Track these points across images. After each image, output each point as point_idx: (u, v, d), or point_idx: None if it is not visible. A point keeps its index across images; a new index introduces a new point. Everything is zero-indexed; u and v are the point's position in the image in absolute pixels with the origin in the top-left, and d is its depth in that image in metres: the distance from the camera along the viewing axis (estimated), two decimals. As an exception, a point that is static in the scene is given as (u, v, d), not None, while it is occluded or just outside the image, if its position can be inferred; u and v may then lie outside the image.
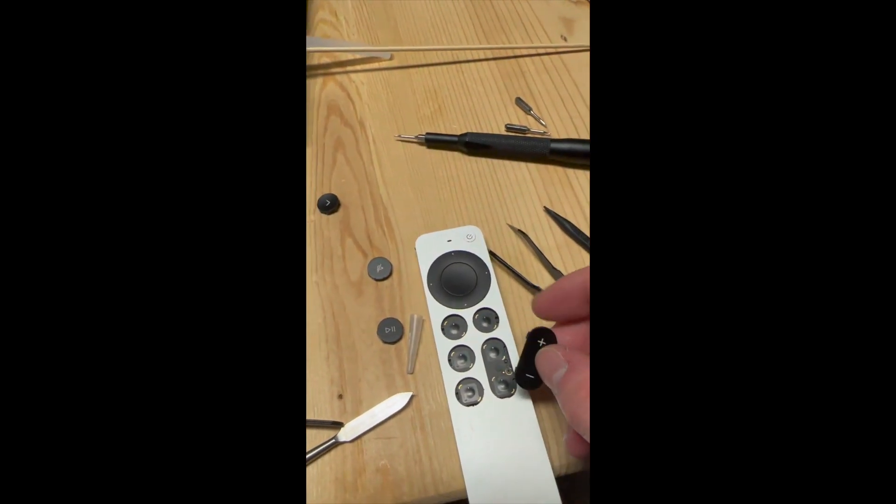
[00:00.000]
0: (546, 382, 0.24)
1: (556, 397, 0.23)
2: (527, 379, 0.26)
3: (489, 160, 0.40)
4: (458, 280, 0.32)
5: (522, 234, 0.35)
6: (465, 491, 0.27)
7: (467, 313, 0.31)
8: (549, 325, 0.27)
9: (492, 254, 0.34)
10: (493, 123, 0.42)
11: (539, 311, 0.26)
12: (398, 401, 0.29)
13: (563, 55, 0.46)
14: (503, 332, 0.31)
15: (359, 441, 0.29)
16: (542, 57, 0.46)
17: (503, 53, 0.46)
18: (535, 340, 0.26)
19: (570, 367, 0.22)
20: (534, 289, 0.33)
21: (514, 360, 0.30)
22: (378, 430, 0.29)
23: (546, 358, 0.24)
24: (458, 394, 0.29)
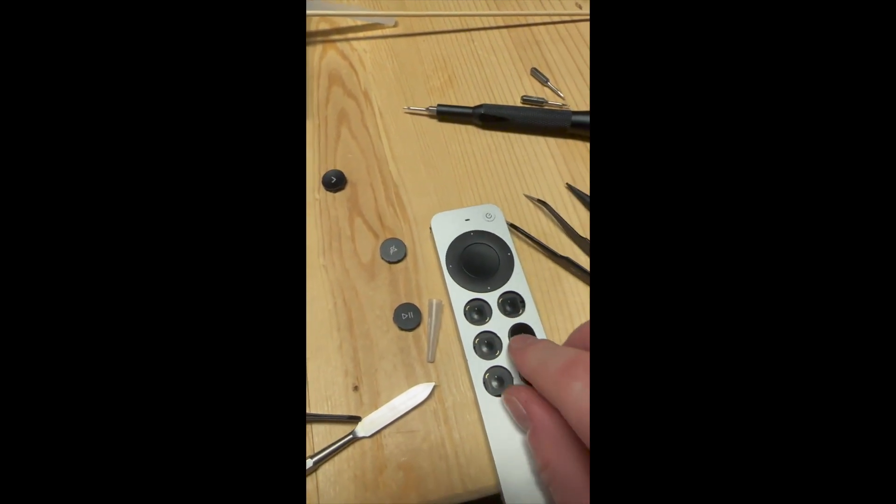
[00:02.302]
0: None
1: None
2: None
3: (505, 134, 0.37)
4: (479, 262, 0.30)
5: (542, 203, 0.33)
6: (494, 487, 0.25)
7: (491, 297, 0.29)
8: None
9: (513, 226, 0.31)
10: (508, 95, 0.39)
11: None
12: (420, 392, 0.27)
13: (579, 24, 0.43)
14: (530, 316, 0.28)
15: (378, 436, 0.26)
16: (557, 25, 0.43)
17: (515, 21, 0.43)
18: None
19: (532, 425, 0.23)
20: (562, 260, 0.31)
21: (543, 346, 0.28)
22: (398, 423, 0.27)
23: (510, 406, 0.25)
24: (486, 383, 0.27)
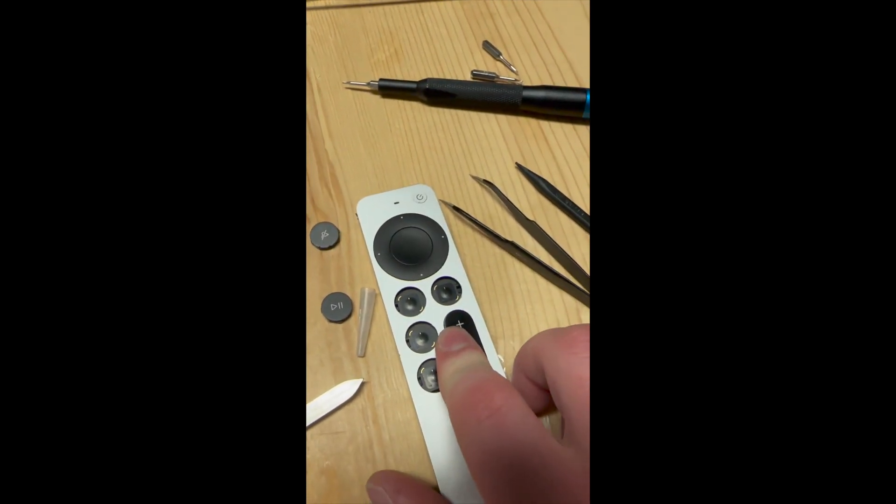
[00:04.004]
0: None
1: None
2: None
3: (453, 111, 0.35)
4: (410, 247, 0.27)
5: (489, 184, 0.30)
6: (426, 491, 0.23)
7: (424, 285, 0.26)
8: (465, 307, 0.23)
9: (456, 209, 0.29)
10: (458, 70, 0.37)
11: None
12: (346, 389, 0.25)
13: (536, -5, 0.41)
14: (467, 303, 0.26)
15: (299, 438, 0.24)
16: (513, -4, 0.41)
17: (468, -8, 0.41)
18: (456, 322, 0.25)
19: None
20: (507, 244, 0.28)
21: (483, 334, 0.25)
22: (322, 424, 0.24)
23: (374, 498, 0.21)
24: (420, 379, 0.25)
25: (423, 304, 0.26)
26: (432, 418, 0.24)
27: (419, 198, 0.29)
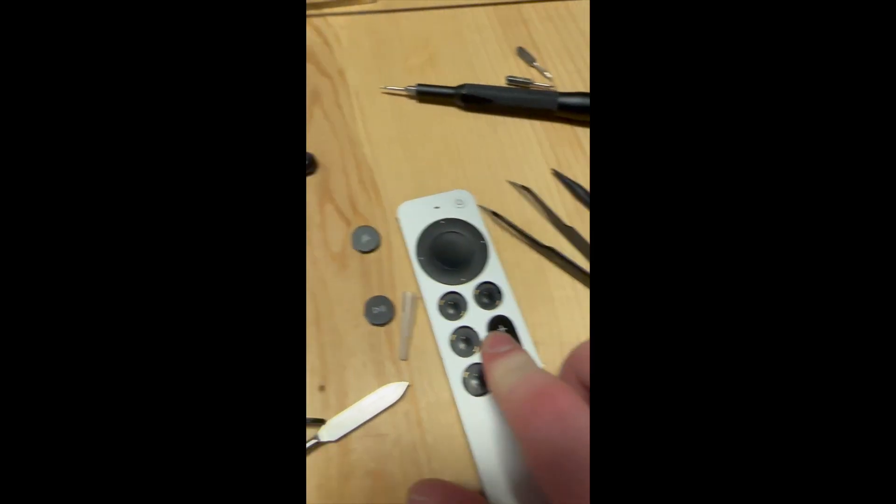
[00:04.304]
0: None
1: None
2: None
3: (489, 117, 0.35)
4: (451, 252, 0.28)
5: (526, 189, 0.31)
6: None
7: (466, 289, 0.27)
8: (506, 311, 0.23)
9: (494, 214, 0.29)
10: (492, 76, 0.37)
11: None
12: (391, 392, 0.25)
13: (569, 2, 0.41)
14: (509, 307, 0.26)
15: (345, 440, 0.24)
16: (546, 3, 0.41)
17: (501, -2, 0.41)
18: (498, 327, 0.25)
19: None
20: (545, 249, 0.29)
21: (525, 339, 0.26)
22: (367, 426, 0.25)
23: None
24: (465, 382, 0.25)
25: (465, 308, 0.26)
26: (478, 422, 0.24)
27: (459, 203, 0.29)
